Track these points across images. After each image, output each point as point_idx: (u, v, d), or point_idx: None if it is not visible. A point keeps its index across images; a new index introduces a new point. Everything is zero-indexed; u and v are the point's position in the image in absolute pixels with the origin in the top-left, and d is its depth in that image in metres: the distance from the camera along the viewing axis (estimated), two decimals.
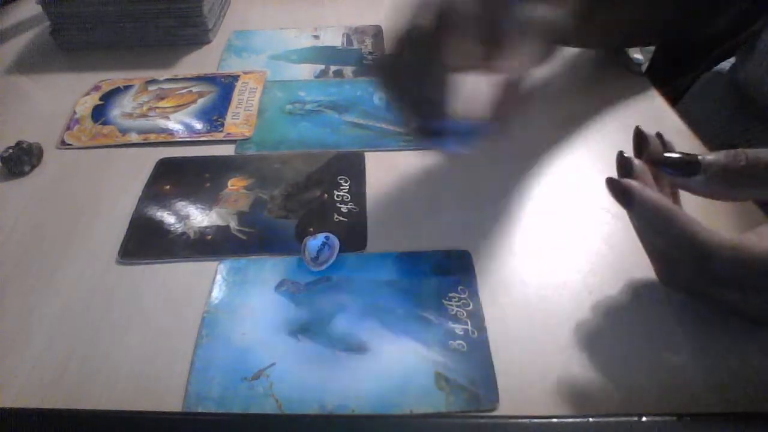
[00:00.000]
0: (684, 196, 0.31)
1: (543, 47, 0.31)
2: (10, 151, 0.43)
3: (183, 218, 0.39)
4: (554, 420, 0.26)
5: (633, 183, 0.27)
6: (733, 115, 0.53)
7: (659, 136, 0.30)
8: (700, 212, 0.36)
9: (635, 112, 0.46)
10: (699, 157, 0.27)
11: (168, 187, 0.41)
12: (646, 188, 0.27)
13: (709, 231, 0.26)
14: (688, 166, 0.27)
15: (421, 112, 0.31)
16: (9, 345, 0.31)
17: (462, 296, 0.33)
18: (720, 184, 0.27)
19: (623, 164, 0.29)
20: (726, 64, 0.60)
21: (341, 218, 0.38)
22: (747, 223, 0.36)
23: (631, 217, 0.29)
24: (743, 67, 0.54)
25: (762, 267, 0.25)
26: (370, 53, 0.56)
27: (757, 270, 0.25)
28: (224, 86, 0.51)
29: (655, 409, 0.27)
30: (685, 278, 0.28)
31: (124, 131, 0.47)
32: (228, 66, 0.55)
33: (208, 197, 0.40)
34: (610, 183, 0.28)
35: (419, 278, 0.34)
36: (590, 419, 0.26)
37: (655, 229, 0.28)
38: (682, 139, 0.43)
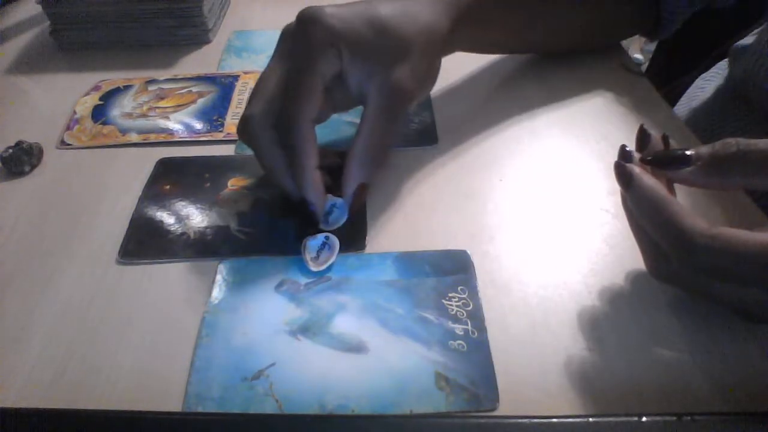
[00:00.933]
0: (682, 192, 0.31)
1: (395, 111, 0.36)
2: (10, 151, 0.43)
3: (183, 218, 0.39)
4: (554, 420, 0.26)
5: (635, 167, 0.29)
6: (730, 115, 0.54)
7: (665, 138, 0.31)
8: (700, 209, 0.36)
9: (635, 112, 0.46)
10: (688, 152, 0.28)
11: (168, 187, 0.41)
12: (645, 174, 0.29)
13: (695, 219, 0.27)
14: (678, 158, 0.29)
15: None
16: (9, 345, 0.31)
17: (462, 296, 0.33)
18: (711, 173, 0.28)
19: (624, 157, 0.30)
20: (723, 64, 0.60)
21: None
22: (743, 219, 0.36)
23: (625, 204, 0.31)
24: (738, 67, 0.54)
25: (743, 257, 0.25)
26: None
27: (737, 260, 0.25)
28: (224, 86, 0.51)
29: (655, 409, 0.27)
30: (673, 269, 0.28)
31: (124, 131, 0.47)
32: (228, 66, 0.55)
33: (208, 197, 0.40)
34: (616, 166, 0.30)
35: (419, 278, 0.34)
36: (590, 419, 0.26)
37: (646, 213, 0.28)
38: (681, 139, 0.43)
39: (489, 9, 0.43)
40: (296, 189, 0.36)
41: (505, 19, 0.45)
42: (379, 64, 0.35)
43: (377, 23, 0.36)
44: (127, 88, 0.52)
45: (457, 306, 0.32)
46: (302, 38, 0.35)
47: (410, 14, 0.37)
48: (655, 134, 0.31)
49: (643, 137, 0.31)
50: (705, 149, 0.28)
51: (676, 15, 0.51)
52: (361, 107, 0.37)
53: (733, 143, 0.27)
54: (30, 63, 0.58)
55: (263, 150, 0.36)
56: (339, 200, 0.37)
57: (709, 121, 0.55)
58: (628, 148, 0.31)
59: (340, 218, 0.37)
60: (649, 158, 0.30)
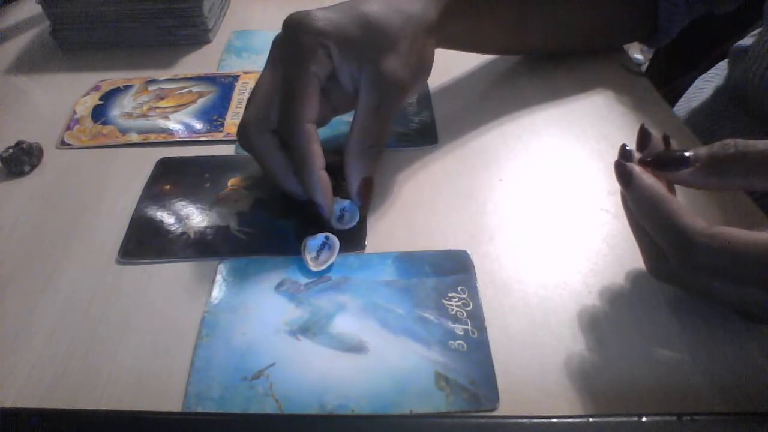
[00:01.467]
0: (682, 192, 0.31)
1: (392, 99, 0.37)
2: (10, 151, 0.43)
3: (183, 218, 0.39)
4: (554, 420, 0.26)
5: (635, 166, 0.29)
6: (729, 115, 0.54)
7: (666, 138, 0.31)
8: (700, 209, 0.36)
9: (635, 112, 0.46)
10: (687, 153, 0.29)
11: (168, 187, 0.41)
12: (645, 173, 0.29)
13: (694, 218, 0.27)
14: (676, 159, 0.29)
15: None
16: (9, 345, 0.31)
17: (462, 296, 0.33)
18: (710, 174, 0.28)
19: (624, 156, 0.30)
20: (723, 65, 0.60)
21: None
22: (743, 219, 0.36)
23: (625, 203, 0.31)
24: (738, 69, 0.54)
25: (742, 256, 0.25)
26: None
27: (736, 260, 0.25)
28: (224, 86, 0.51)
29: (655, 409, 0.27)
30: (672, 269, 0.28)
31: (124, 131, 0.47)
32: (228, 66, 0.55)
33: (208, 197, 0.40)
34: (617, 164, 0.30)
35: (419, 278, 0.34)
36: (590, 419, 0.26)
37: (645, 212, 0.29)
38: (681, 139, 0.43)
39: (479, 2, 0.43)
40: (302, 191, 0.36)
41: (496, 13, 0.45)
42: (368, 57, 0.35)
43: (363, 19, 0.36)
44: (127, 88, 0.52)
45: (457, 306, 0.32)
46: (292, 43, 0.36)
47: (395, 7, 0.37)
48: (655, 134, 0.31)
49: (643, 137, 0.31)
50: (703, 150, 0.28)
51: (674, 22, 0.50)
52: None
53: (731, 144, 0.27)
54: (30, 63, 0.58)
55: (265, 155, 0.36)
56: (347, 202, 0.38)
57: (708, 122, 0.55)
58: (628, 148, 0.31)
59: (352, 219, 0.37)
60: (649, 160, 0.30)
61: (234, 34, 0.60)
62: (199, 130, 0.47)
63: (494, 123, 0.46)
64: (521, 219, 0.38)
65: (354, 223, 0.37)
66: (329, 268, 0.35)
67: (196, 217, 0.39)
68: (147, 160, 0.44)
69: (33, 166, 0.44)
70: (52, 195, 0.41)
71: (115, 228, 0.38)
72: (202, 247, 0.37)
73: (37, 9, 0.61)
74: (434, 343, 0.30)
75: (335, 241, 0.36)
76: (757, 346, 0.30)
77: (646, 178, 0.29)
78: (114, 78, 0.53)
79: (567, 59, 0.52)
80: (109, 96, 0.51)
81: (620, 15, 0.51)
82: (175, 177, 0.42)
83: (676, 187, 0.30)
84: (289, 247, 0.36)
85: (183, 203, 0.40)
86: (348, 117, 0.46)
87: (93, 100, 0.50)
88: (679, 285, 0.30)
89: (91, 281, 0.35)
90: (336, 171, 0.37)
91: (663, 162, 0.29)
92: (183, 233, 0.38)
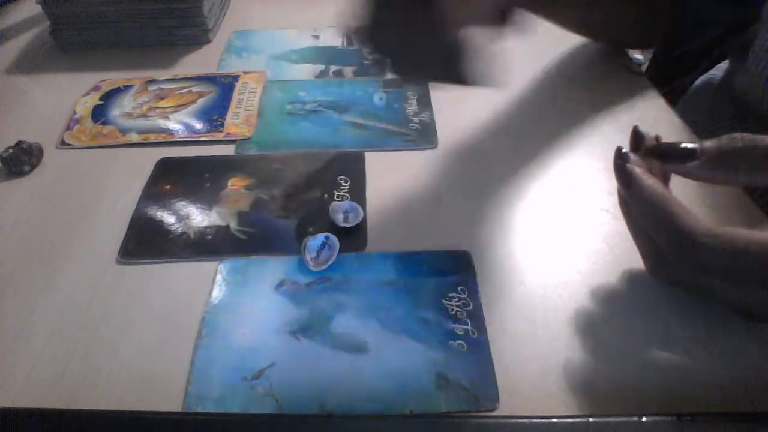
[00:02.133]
0: (681, 191, 0.31)
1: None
2: (10, 151, 0.43)
3: (183, 218, 0.39)
4: (554, 420, 0.26)
5: (636, 167, 0.29)
6: (729, 116, 0.53)
7: (658, 139, 0.31)
8: (699, 208, 0.36)
9: (635, 112, 0.47)
10: (694, 146, 0.29)
11: (168, 187, 0.41)
12: (646, 173, 0.29)
13: (695, 217, 0.27)
14: (683, 152, 0.29)
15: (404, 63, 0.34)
16: (9, 345, 0.31)
17: (462, 296, 0.33)
18: (716, 168, 0.28)
19: (621, 158, 0.30)
20: (723, 65, 0.60)
21: None
22: (743, 219, 0.36)
23: (622, 203, 0.31)
24: (737, 74, 0.54)
25: (744, 255, 0.25)
26: (370, 53, 0.56)
27: (738, 259, 0.25)
28: (224, 86, 0.51)
29: (655, 409, 0.27)
30: (671, 268, 0.28)
31: (124, 131, 0.47)
32: (228, 66, 0.55)
33: (208, 197, 0.40)
34: (617, 165, 0.30)
35: (419, 278, 0.34)
36: (590, 419, 0.26)
37: (647, 213, 0.29)
38: (681, 139, 0.43)
39: None
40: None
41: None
42: None
43: None
44: (127, 88, 0.52)
45: (457, 306, 0.32)
46: None
47: None
48: (649, 135, 0.31)
49: (637, 138, 0.31)
50: (711, 143, 0.28)
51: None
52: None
53: (739, 138, 0.27)
54: (30, 63, 0.58)
55: None
56: (347, 204, 0.38)
57: (708, 121, 0.55)
58: (624, 150, 0.31)
59: (356, 219, 0.37)
60: (654, 147, 0.30)
61: (234, 34, 0.60)
62: (199, 130, 0.47)
63: (494, 123, 0.46)
64: (521, 219, 0.38)
65: (359, 219, 0.37)
66: (329, 268, 0.35)
67: (196, 217, 0.39)
68: (147, 160, 0.44)
69: (33, 166, 0.44)
70: (52, 195, 0.41)
71: (115, 228, 0.38)
72: (202, 247, 0.37)
73: (37, 9, 0.61)
74: (434, 343, 0.30)
75: (335, 241, 0.36)
76: (757, 346, 0.30)
77: (647, 178, 0.29)
78: (114, 78, 0.53)
79: (567, 59, 0.52)
80: (109, 96, 0.51)
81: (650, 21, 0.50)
82: (175, 177, 0.42)
83: (673, 186, 0.30)
84: (289, 247, 0.36)
85: (183, 203, 0.40)
86: (347, 116, 0.46)
87: (93, 100, 0.50)
88: (679, 284, 0.30)
89: (91, 281, 0.35)
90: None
91: (670, 153, 0.29)
92: (183, 233, 0.38)
